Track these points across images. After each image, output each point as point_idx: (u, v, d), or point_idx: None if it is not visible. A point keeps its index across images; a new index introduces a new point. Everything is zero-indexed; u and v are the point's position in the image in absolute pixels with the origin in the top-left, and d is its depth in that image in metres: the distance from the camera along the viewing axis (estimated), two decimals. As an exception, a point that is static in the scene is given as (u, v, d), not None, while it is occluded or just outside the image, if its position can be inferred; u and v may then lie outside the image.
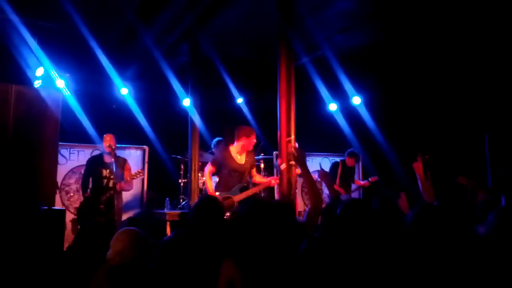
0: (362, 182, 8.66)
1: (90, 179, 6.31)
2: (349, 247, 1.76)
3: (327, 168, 8.39)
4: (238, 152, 5.89)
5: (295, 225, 3.06)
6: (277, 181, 5.78)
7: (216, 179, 6.17)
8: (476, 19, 6.68)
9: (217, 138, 8.10)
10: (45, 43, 6.81)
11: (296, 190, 5.72)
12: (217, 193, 5.71)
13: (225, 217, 5.45)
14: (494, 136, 7.80)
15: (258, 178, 6.18)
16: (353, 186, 8.49)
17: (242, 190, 5.78)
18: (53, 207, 5.05)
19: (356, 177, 9.26)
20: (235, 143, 5.90)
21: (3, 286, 2.92)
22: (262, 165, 8.32)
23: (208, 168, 5.92)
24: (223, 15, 6.83)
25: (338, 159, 8.36)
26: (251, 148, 5.93)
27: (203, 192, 7.54)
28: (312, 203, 3.69)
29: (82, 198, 6.35)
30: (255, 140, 5.91)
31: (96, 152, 7.29)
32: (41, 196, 4.75)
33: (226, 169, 5.82)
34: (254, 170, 6.14)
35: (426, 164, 7.33)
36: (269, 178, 6.17)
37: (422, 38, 7.49)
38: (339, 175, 8.06)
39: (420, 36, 7.45)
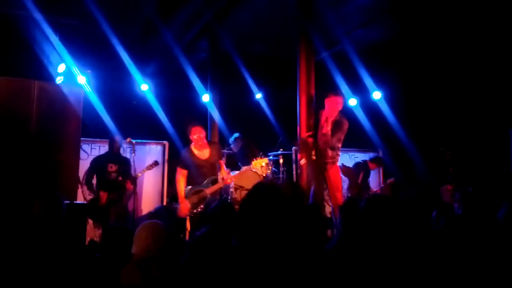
0: (375, 189, 8.53)
1: (95, 175, 6.64)
2: (373, 245, 1.73)
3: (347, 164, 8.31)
4: (197, 148, 5.85)
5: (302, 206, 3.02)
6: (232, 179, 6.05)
7: None
8: (499, 12, 6.55)
9: (235, 135, 8.10)
10: (67, 40, 6.88)
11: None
12: (189, 187, 5.78)
13: (198, 210, 5.51)
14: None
15: (223, 172, 6.06)
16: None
17: (214, 182, 5.78)
18: (75, 202, 5.11)
19: (376, 180, 9.15)
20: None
21: (25, 280, 2.96)
22: (281, 160, 8.27)
23: (180, 172, 5.86)
24: (242, 11, 6.83)
25: (358, 155, 8.26)
26: (202, 141, 5.82)
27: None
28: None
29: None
30: (203, 133, 5.83)
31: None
32: (63, 191, 4.82)
33: (192, 166, 5.80)
34: (221, 162, 6.13)
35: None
36: (227, 176, 6.01)
37: (443, 32, 7.36)
38: (362, 176, 7.99)
39: (441, 29, 7.33)
